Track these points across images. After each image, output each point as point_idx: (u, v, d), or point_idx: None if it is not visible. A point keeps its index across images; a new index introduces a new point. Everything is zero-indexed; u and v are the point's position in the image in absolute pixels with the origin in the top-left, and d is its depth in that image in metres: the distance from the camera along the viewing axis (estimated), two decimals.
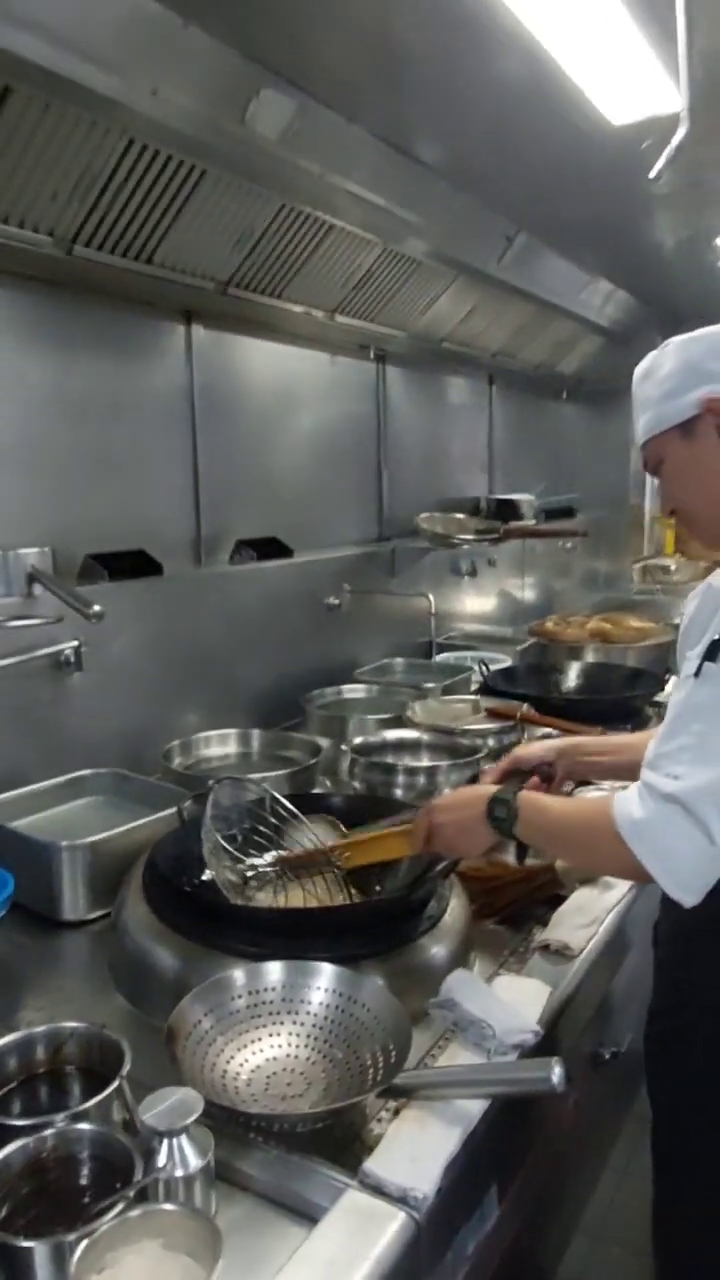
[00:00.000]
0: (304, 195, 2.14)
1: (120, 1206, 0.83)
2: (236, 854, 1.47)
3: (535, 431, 4.57)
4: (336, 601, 2.72)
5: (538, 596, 4.29)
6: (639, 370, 1.31)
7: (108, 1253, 0.81)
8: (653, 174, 1.59)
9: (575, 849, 1.26)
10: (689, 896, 1.05)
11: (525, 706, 2.28)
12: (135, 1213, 0.84)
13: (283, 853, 1.49)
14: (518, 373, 4.00)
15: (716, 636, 1.05)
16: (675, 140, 1.58)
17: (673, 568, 4.79)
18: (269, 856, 1.49)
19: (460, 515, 3.39)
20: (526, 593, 4.22)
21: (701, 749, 1.04)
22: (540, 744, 1.58)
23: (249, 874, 1.45)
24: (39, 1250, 0.80)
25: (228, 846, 1.45)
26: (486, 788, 1.30)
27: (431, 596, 3.00)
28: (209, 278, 2.20)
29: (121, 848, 1.59)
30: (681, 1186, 1.28)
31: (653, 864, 1.04)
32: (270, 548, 2.59)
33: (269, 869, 1.46)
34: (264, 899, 1.46)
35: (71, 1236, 0.80)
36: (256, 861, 1.47)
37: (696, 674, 1.06)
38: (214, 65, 1.70)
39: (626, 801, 1.07)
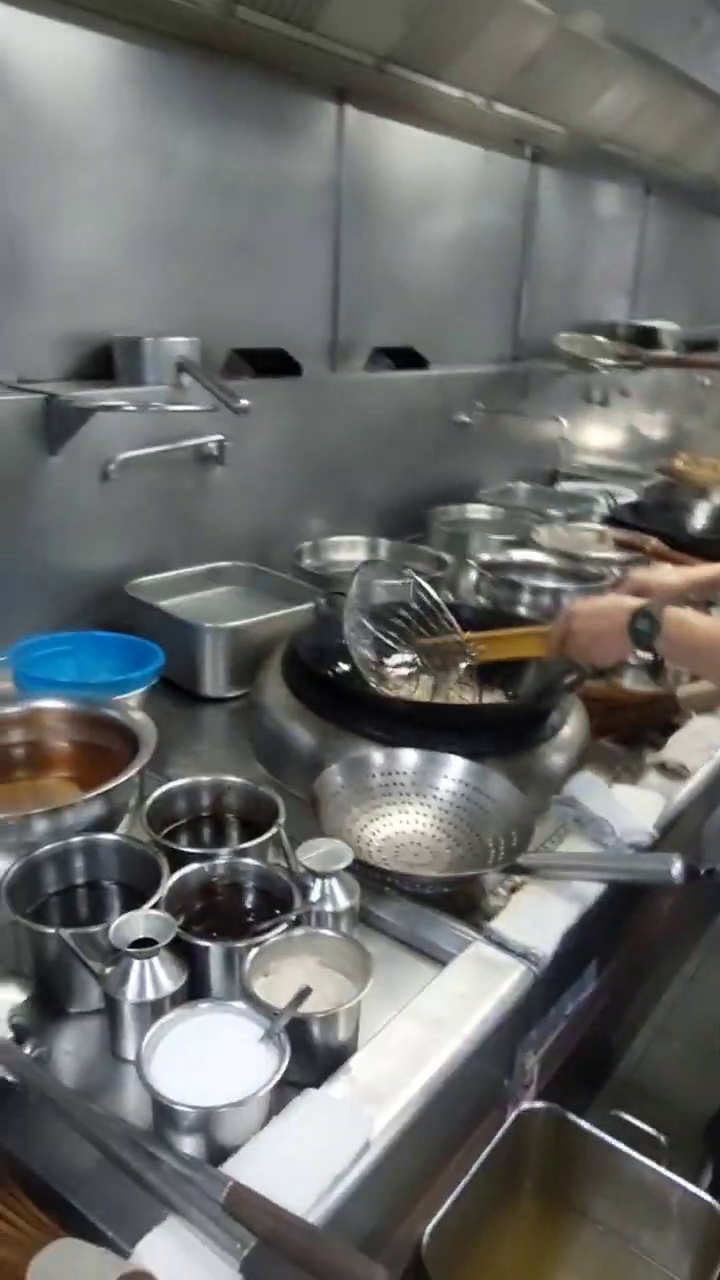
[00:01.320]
0: None
1: (283, 927, 0.95)
2: (377, 633, 1.53)
3: (689, 254, 4.24)
4: (467, 419, 2.67)
5: (669, 434, 4.12)
6: None
7: (272, 961, 0.93)
8: None
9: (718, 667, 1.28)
10: None
11: (654, 540, 2.25)
12: (297, 933, 0.95)
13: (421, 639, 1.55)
14: (680, 184, 3.67)
15: None
16: None
17: None
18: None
19: (601, 339, 3.22)
20: (656, 429, 4.05)
21: None
22: (675, 571, 1.57)
23: (386, 657, 1.51)
24: (214, 951, 0.92)
25: (369, 624, 1.51)
26: (629, 599, 1.32)
27: (563, 422, 2.91)
28: (368, 50, 2.05)
29: (260, 635, 1.68)
30: None
31: None
32: (406, 358, 2.54)
33: (406, 650, 1.52)
34: (397, 691, 1.53)
35: (243, 944, 0.91)
36: (394, 646, 1.53)
37: None
38: None
39: None
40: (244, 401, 1.76)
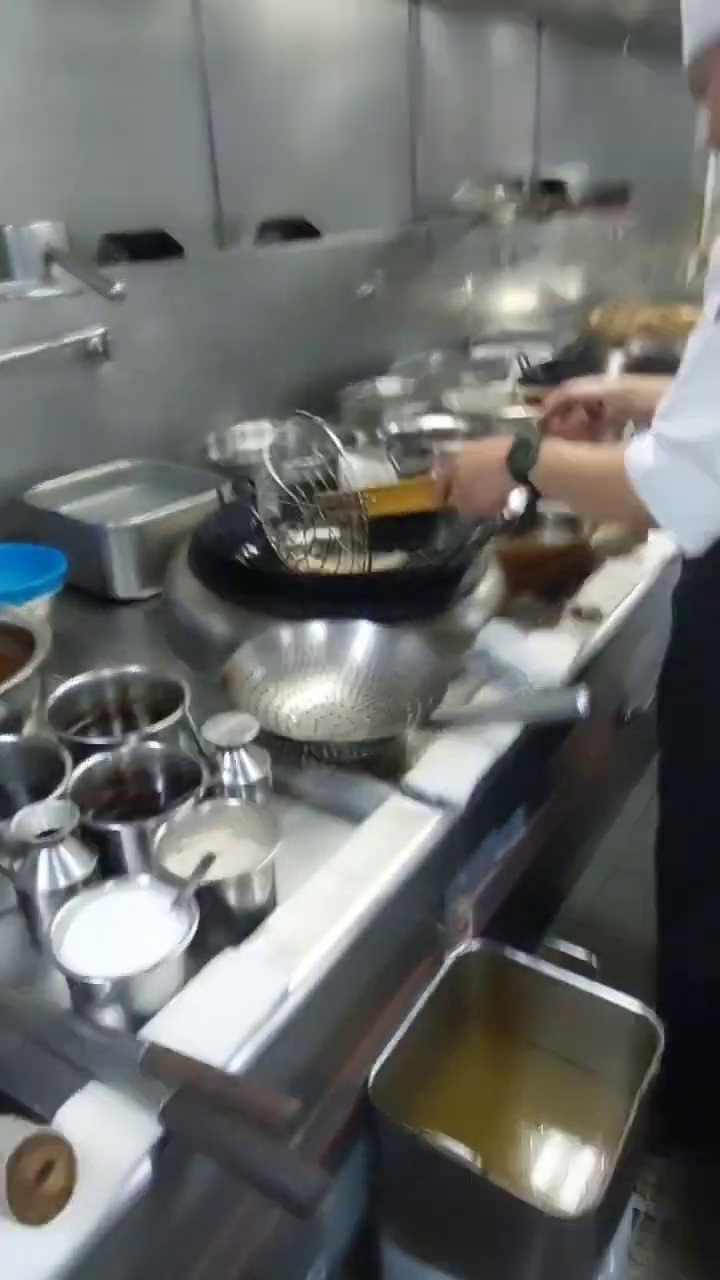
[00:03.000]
0: None
1: (190, 803, 0.95)
2: (284, 488, 1.54)
3: (589, 96, 4.05)
4: (370, 289, 2.58)
5: (583, 290, 4.02)
6: None
7: (183, 838, 0.93)
8: None
9: (588, 497, 1.27)
10: (692, 543, 1.08)
11: None
12: (205, 808, 0.95)
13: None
14: (572, 17, 3.48)
15: None
16: None
17: None
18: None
19: (502, 191, 3.10)
20: (570, 285, 3.94)
21: (717, 394, 1.01)
22: (593, 380, 1.55)
23: (296, 532, 1.51)
24: (125, 832, 0.92)
25: (275, 476, 1.52)
26: (505, 445, 1.29)
27: (470, 284, 2.82)
28: None
29: (166, 530, 1.63)
30: (680, 812, 1.42)
31: (659, 511, 1.06)
32: (297, 229, 2.42)
33: (315, 522, 1.52)
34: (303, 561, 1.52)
35: (152, 822, 0.91)
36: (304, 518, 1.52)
37: (718, 318, 1.01)
38: None
39: (639, 450, 1.07)
40: (119, 287, 1.68)
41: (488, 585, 1.54)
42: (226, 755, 1.00)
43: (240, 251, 2.32)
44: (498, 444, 1.30)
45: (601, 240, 4.06)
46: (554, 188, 3.48)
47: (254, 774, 1.01)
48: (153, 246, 2.02)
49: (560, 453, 1.23)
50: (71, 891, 0.86)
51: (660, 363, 2.71)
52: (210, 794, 0.98)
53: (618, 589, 1.54)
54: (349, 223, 2.63)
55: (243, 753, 1.00)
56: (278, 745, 1.10)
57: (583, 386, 1.51)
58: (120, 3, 1.96)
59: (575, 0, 3.35)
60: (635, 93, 4.32)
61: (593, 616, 1.47)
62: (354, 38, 2.62)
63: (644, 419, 1.17)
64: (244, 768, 1.00)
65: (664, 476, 1.05)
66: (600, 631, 1.43)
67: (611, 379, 1.52)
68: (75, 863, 0.87)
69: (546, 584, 1.63)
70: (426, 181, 2.98)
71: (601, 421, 1.48)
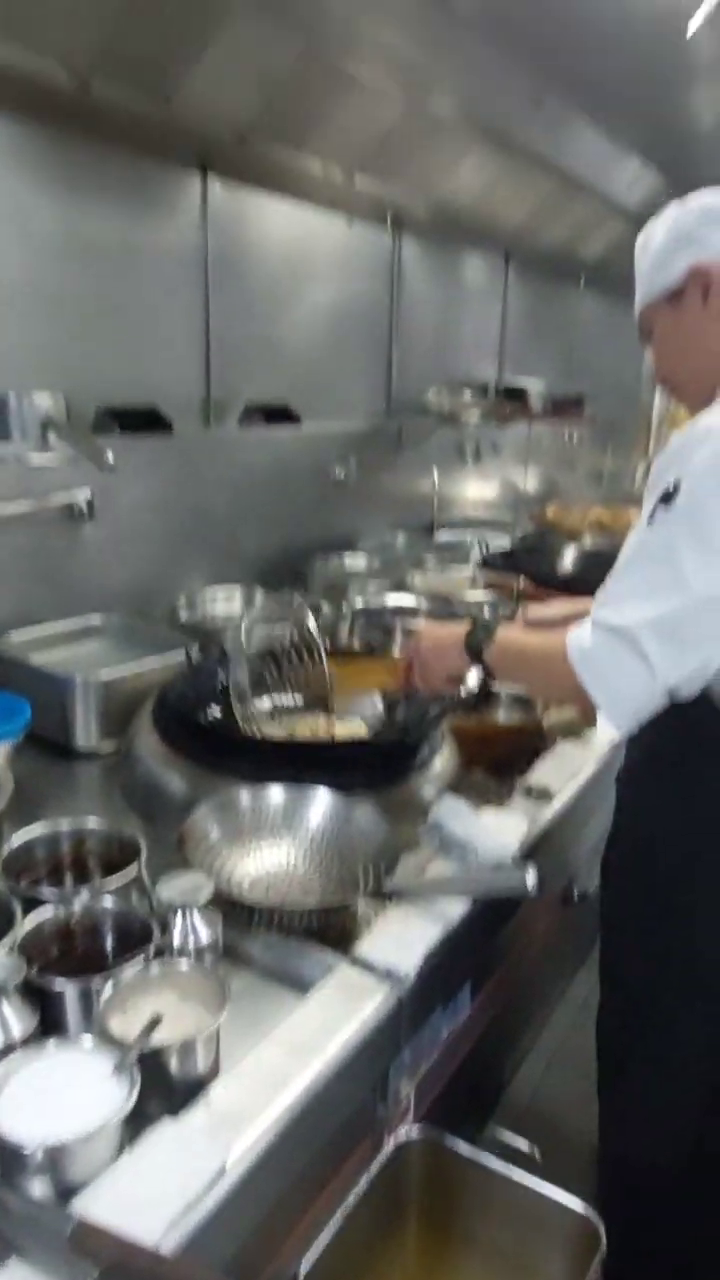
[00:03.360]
0: (330, 37, 2.07)
1: (140, 962, 0.94)
2: (250, 658, 1.59)
3: (550, 318, 4.49)
4: (342, 474, 2.75)
5: (540, 487, 4.31)
6: (638, 241, 1.34)
7: (129, 998, 0.92)
8: (690, 31, 1.55)
9: (534, 675, 1.34)
10: (623, 722, 1.15)
11: (523, 580, 2.35)
12: (154, 968, 0.94)
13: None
14: (536, 253, 3.91)
15: (669, 486, 1.11)
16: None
17: None
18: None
19: (468, 393, 3.37)
20: (529, 482, 4.23)
21: (648, 586, 1.11)
22: (552, 604, 1.65)
23: (261, 696, 1.56)
24: (70, 990, 0.91)
25: (243, 650, 1.57)
26: (465, 626, 1.38)
27: (436, 475, 3.02)
28: (227, 125, 2.14)
29: (132, 686, 1.67)
30: (616, 991, 1.42)
31: (596, 690, 1.13)
32: (279, 414, 2.61)
33: (280, 688, 1.57)
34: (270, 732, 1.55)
35: (98, 980, 0.90)
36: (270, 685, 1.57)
37: (650, 519, 1.13)
38: None
39: (579, 632, 1.16)
40: (110, 457, 1.79)
41: (443, 759, 1.58)
42: (179, 915, 1.00)
43: (224, 430, 2.48)
44: (457, 625, 1.38)
45: (558, 444, 4.39)
46: (516, 395, 3.79)
47: (205, 936, 1.01)
48: (144, 421, 2.16)
49: (513, 636, 1.32)
50: (9, 1050, 0.84)
51: (610, 556, 2.90)
52: (159, 954, 0.97)
53: (567, 769, 1.60)
54: (327, 413, 2.84)
55: (195, 913, 1.01)
56: (229, 908, 1.10)
57: (543, 611, 1.61)
58: (137, 206, 2.19)
59: (539, 240, 3.78)
60: (591, 318, 4.79)
61: (543, 795, 1.52)
62: (343, 254, 2.91)
63: None
64: (195, 929, 1.00)
65: (599, 656, 1.13)
66: (550, 811, 1.47)
67: (567, 603, 1.62)
68: (16, 1020, 0.86)
69: (499, 761, 1.68)
70: (400, 382, 3.25)
71: None
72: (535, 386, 3.86)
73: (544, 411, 3.92)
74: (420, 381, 3.31)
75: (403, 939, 1.09)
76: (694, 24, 1.54)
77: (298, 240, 2.70)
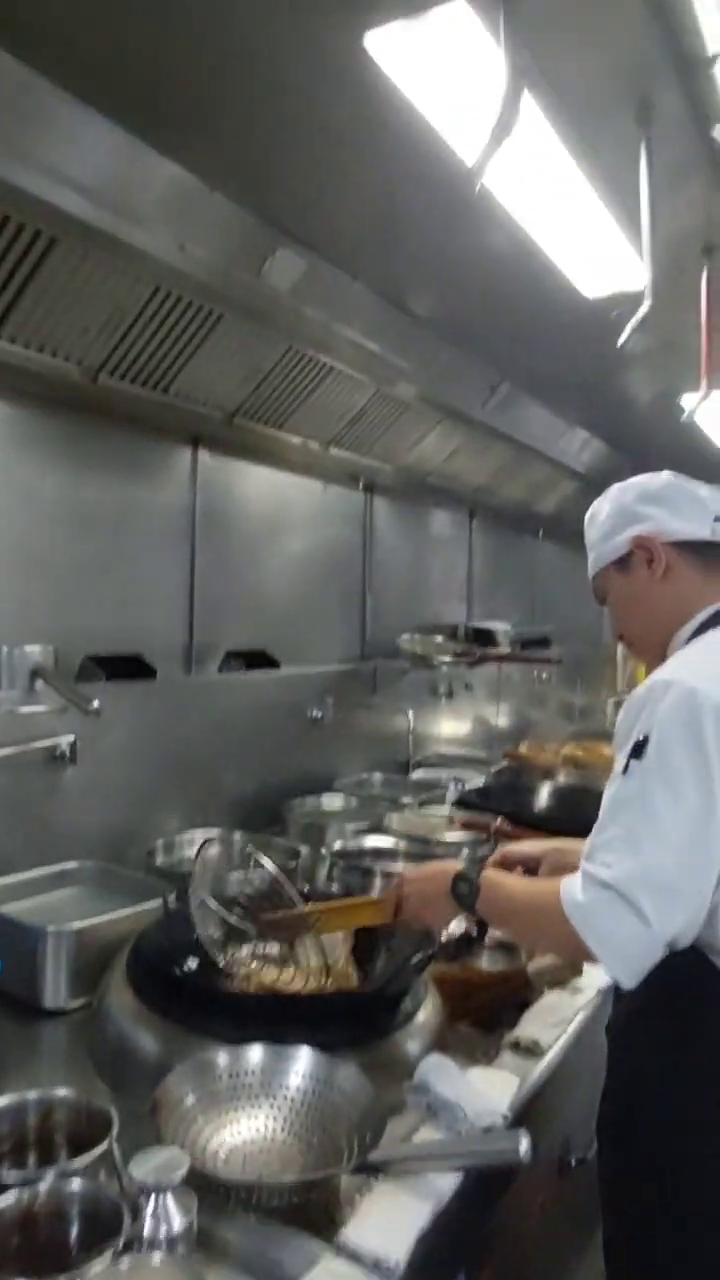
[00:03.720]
0: (308, 340, 2.37)
1: (108, 1257, 0.86)
2: (221, 910, 1.53)
3: (513, 565, 4.80)
4: (319, 714, 2.82)
5: (512, 723, 4.41)
6: (587, 516, 1.49)
7: None
8: (620, 342, 1.80)
9: (527, 927, 1.34)
10: (628, 978, 1.13)
11: (499, 820, 2.36)
12: (124, 1263, 0.87)
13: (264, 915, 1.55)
14: (497, 509, 4.25)
15: (639, 738, 1.17)
16: (640, 314, 1.80)
17: None
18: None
19: (439, 638, 3.53)
20: (501, 719, 4.33)
21: (630, 838, 1.14)
22: (529, 843, 1.66)
23: (236, 946, 1.51)
24: None
25: (212, 903, 1.51)
26: (453, 864, 1.38)
27: (411, 714, 3.10)
28: (218, 408, 2.39)
29: (105, 936, 1.63)
30: (624, 1262, 1.30)
31: (595, 944, 1.12)
32: (258, 659, 2.71)
33: (253, 935, 1.52)
34: (246, 984, 1.50)
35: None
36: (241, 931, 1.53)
37: (624, 771, 1.17)
38: (236, 226, 1.93)
39: (572, 886, 1.16)
40: (95, 704, 1.85)
41: (426, 1012, 1.53)
42: (151, 1198, 0.93)
43: (205, 676, 2.57)
44: (442, 870, 1.38)
45: (527, 682, 4.54)
46: (485, 635, 3.96)
47: (178, 1223, 0.93)
48: (128, 668, 2.24)
49: (498, 883, 1.32)
50: None
51: (584, 792, 2.94)
52: (129, 1245, 0.89)
53: (556, 1020, 1.54)
54: (304, 658, 2.96)
55: (169, 1196, 0.94)
56: (205, 1182, 1.03)
57: (520, 848, 1.63)
58: (133, 476, 2.39)
59: (499, 497, 4.12)
60: (552, 564, 5.11)
61: (532, 1049, 1.46)
62: (318, 511, 3.15)
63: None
64: (169, 1215, 0.93)
65: (595, 910, 1.13)
66: (540, 1067, 1.41)
67: (542, 842, 1.65)
68: None
69: (484, 1012, 1.62)
70: (374, 626, 3.41)
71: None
72: (502, 627, 4.05)
73: (512, 650, 4.08)
74: (393, 625, 3.47)
75: (390, 1221, 1.01)
76: (623, 337, 1.78)
77: (277, 502, 2.93)
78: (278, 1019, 1.36)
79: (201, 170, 1.79)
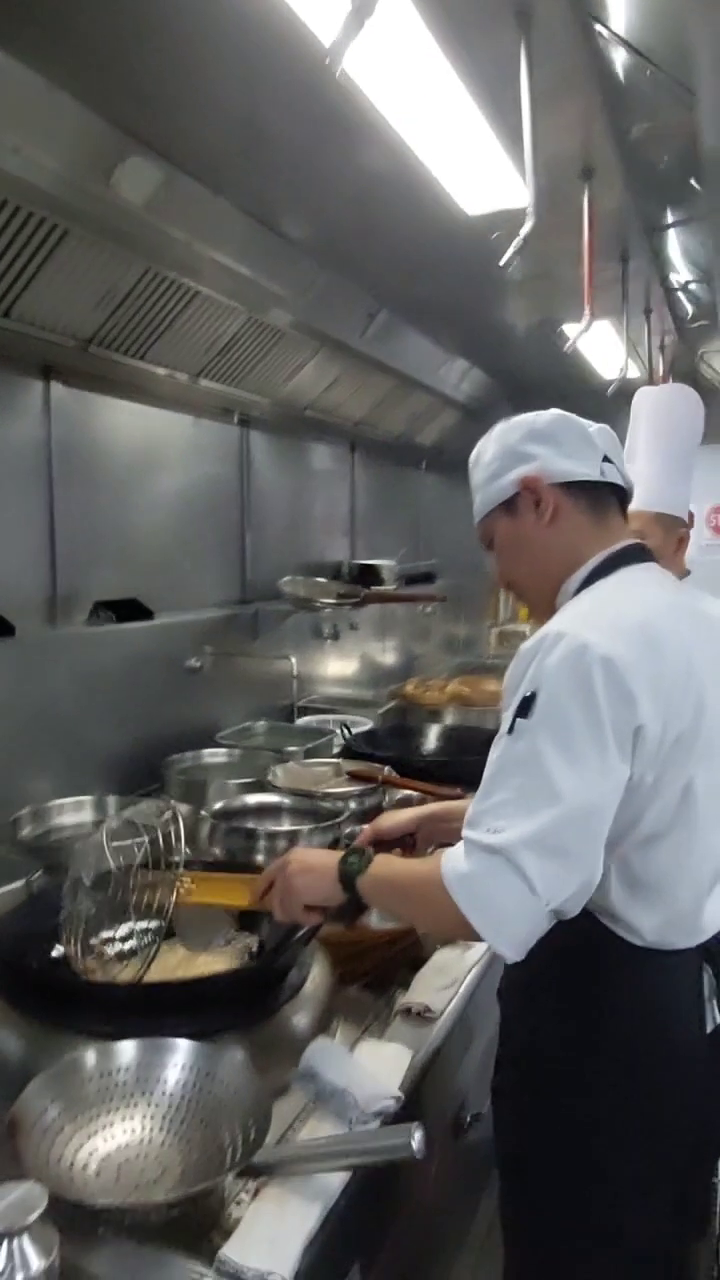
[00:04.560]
0: (169, 261, 2.17)
1: None
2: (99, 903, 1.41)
3: (396, 499, 4.70)
4: (198, 664, 2.68)
5: (398, 660, 4.37)
6: (471, 457, 1.39)
7: None
8: (503, 261, 1.69)
9: (411, 905, 1.24)
10: (514, 951, 1.05)
11: (386, 769, 2.30)
12: None
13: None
14: (379, 442, 4.12)
15: (526, 694, 1.09)
16: (523, 232, 1.70)
17: (526, 633, 4.98)
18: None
19: (322, 579, 3.42)
20: (387, 656, 4.28)
21: (520, 801, 1.05)
22: (401, 813, 1.58)
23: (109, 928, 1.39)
24: None
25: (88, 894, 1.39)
26: (337, 853, 1.29)
27: (294, 659, 3.00)
28: (70, 335, 2.18)
29: None
30: (521, 1253, 1.29)
31: (475, 916, 1.04)
32: (130, 609, 2.54)
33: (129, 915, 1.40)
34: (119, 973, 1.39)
35: None
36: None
37: (510, 731, 1.10)
38: (80, 130, 1.71)
39: (454, 857, 1.08)
40: None
41: (314, 981, 1.46)
42: (3, 1244, 0.83)
43: (72, 629, 2.39)
44: (331, 854, 1.30)
45: (412, 617, 4.50)
46: (370, 572, 3.88)
47: (36, 1265, 0.83)
48: None
49: (385, 861, 1.24)
50: None
51: (470, 731, 2.92)
52: None
53: (448, 981, 1.50)
54: (180, 604, 2.80)
55: (24, 1239, 0.84)
56: (69, 1210, 0.93)
57: (392, 819, 1.54)
58: None
59: (380, 431, 4.00)
60: (435, 496, 5.05)
61: (424, 1014, 1.41)
62: (190, 447, 2.96)
63: (451, 839, 1.19)
64: (25, 1258, 0.83)
65: (479, 879, 1.05)
66: (432, 1033, 1.37)
67: (414, 811, 1.57)
68: None
69: (375, 974, 1.57)
70: (256, 568, 3.27)
71: (415, 851, 1.51)
72: (387, 564, 3.97)
73: (397, 589, 4.02)
74: (275, 565, 3.34)
75: (275, 1231, 0.94)
76: (506, 255, 1.67)
77: (144, 438, 2.73)
78: (152, 1007, 1.27)
79: (40, 65, 1.57)
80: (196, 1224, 0.99)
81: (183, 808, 1.99)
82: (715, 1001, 1.22)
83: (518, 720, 1.09)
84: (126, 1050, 1.18)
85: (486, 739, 1.17)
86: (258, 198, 2.23)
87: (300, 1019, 1.39)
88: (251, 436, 3.27)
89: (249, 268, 2.35)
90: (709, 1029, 1.21)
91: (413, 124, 1.73)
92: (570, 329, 2.99)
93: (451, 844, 1.11)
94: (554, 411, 1.33)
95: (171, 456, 2.86)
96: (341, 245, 2.59)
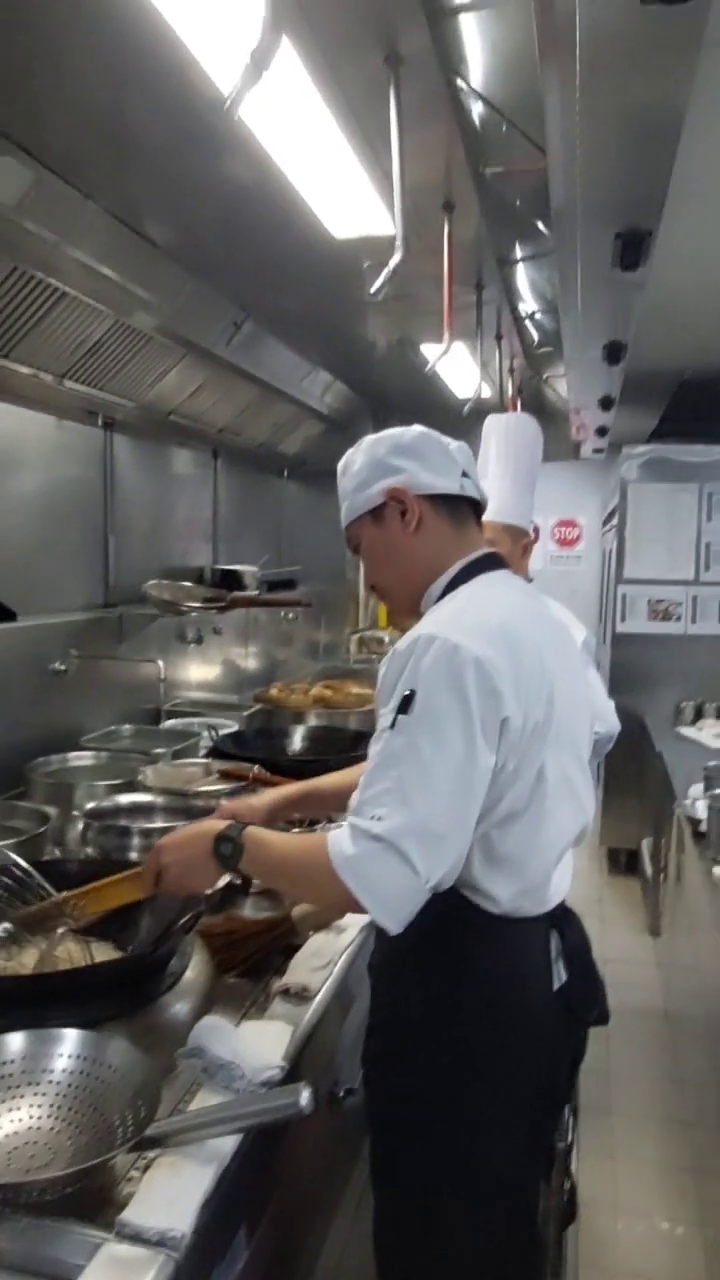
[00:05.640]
0: (36, 260, 2.16)
1: None
2: None
3: (258, 506, 4.76)
4: (63, 667, 2.66)
5: (261, 664, 4.42)
6: (339, 466, 1.48)
7: None
8: (373, 290, 1.79)
9: (296, 882, 1.34)
10: (395, 925, 1.17)
11: (257, 768, 2.36)
12: None
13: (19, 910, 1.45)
14: (242, 449, 4.18)
15: (405, 692, 1.20)
16: (393, 263, 1.80)
17: (386, 639, 5.13)
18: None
19: (188, 583, 3.44)
20: (250, 661, 4.33)
21: (400, 791, 1.17)
22: (263, 795, 1.66)
23: None
24: None
25: None
26: (212, 824, 1.36)
27: (160, 662, 3.01)
28: None
29: None
30: (392, 1194, 1.38)
31: (364, 896, 1.15)
32: None
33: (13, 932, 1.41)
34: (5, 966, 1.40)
35: None
36: None
37: (392, 726, 1.20)
38: None
39: (340, 839, 1.18)
40: None
41: (194, 970, 1.51)
42: None
43: None
44: (201, 833, 1.35)
45: (275, 622, 4.56)
46: (232, 578, 3.91)
47: None
48: None
49: (262, 840, 1.31)
50: None
51: (337, 732, 3.02)
52: None
53: (323, 963, 1.57)
54: (44, 606, 2.77)
55: None
56: None
57: (248, 803, 1.62)
58: None
59: (243, 438, 4.05)
60: (298, 505, 5.14)
61: (301, 994, 1.48)
62: (53, 448, 2.92)
63: (338, 811, 1.28)
64: None
65: (364, 862, 1.15)
66: (310, 1011, 1.44)
67: (293, 787, 1.66)
68: None
69: (252, 961, 1.63)
70: (120, 571, 3.25)
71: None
72: (249, 570, 4.02)
73: (260, 594, 4.07)
74: (138, 569, 3.33)
75: (173, 1194, 0.99)
76: (376, 284, 1.77)
77: (5, 435, 2.68)
78: (35, 999, 1.29)
79: None
80: (92, 1199, 1.02)
81: (51, 810, 2.00)
82: (561, 963, 1.36)
83: (399, 716, 1.19)
84: (12, 1042, 1.19)
85: (351, 738, 1.27)
86: (126, 202, 2.25)
87: (182, 1006, 1.44)
88: (115, 440, 3.26)
89: (116, 271, 2.37)
90: (556, 986, 1.34)
91: (281, 144, 1.80)
92: (428, 349, 3.15)
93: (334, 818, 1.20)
94: (418, 428, 1.44)
95: (33, 457, 2.82)
96: (209, 253, 2.64)
